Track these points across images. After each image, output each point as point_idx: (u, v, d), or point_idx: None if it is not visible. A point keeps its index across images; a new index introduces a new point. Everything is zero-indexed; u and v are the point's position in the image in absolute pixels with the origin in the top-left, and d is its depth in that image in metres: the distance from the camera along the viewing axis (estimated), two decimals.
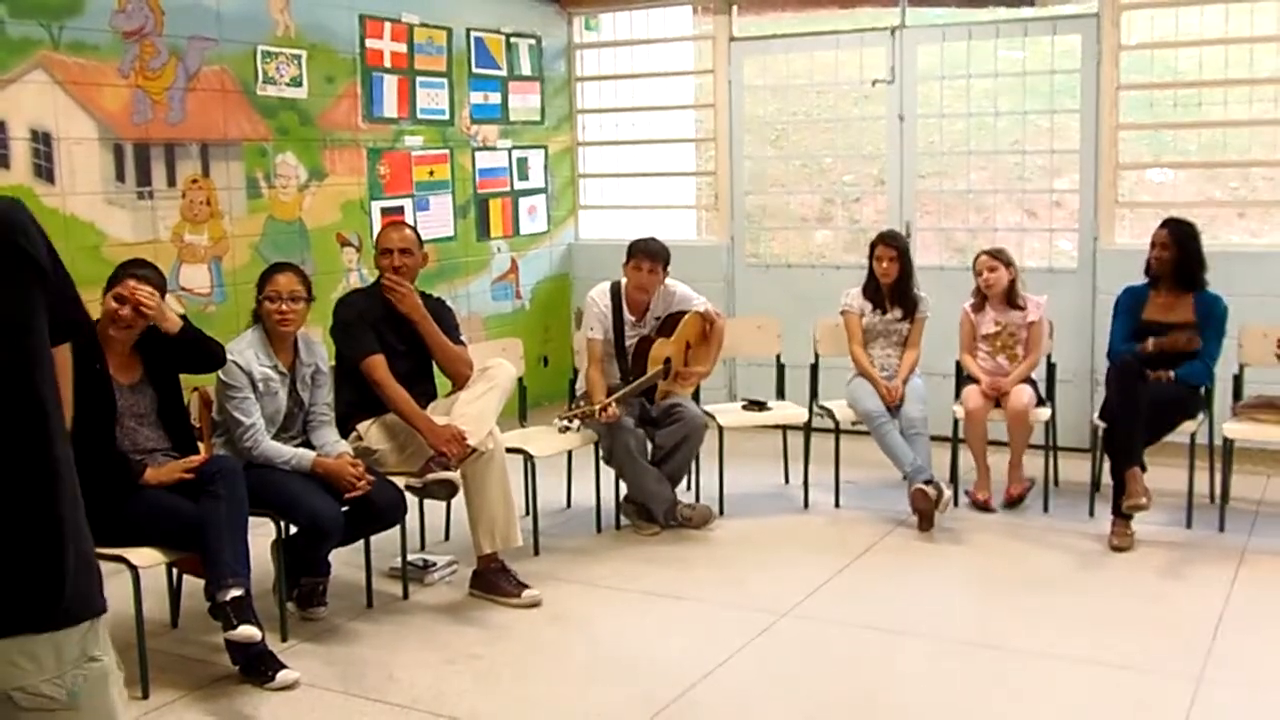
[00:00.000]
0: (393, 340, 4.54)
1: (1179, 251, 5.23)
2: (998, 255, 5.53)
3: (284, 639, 4.01)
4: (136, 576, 3.64)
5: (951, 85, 6.84)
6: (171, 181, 5.29)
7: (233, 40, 5.50)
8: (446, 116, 6.78)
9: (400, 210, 6.45)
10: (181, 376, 4.06)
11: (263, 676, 3.68)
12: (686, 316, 5.37)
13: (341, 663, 3.92)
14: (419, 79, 6.58)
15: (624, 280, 5.32)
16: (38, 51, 4.75)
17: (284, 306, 4.16)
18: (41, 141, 4.77)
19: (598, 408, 4.92)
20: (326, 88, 6.02)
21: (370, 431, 4.53)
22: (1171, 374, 5.06)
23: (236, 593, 3.62)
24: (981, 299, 5.57)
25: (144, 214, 5.17)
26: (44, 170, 4.79)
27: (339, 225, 6.14)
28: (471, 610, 4.37)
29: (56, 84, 4.82)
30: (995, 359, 5.51)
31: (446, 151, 6.80)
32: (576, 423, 4.89)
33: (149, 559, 3.70)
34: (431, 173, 6.71)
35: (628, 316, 5.29)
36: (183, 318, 4.00)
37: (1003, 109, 6.74)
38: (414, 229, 4.82)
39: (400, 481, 4.35)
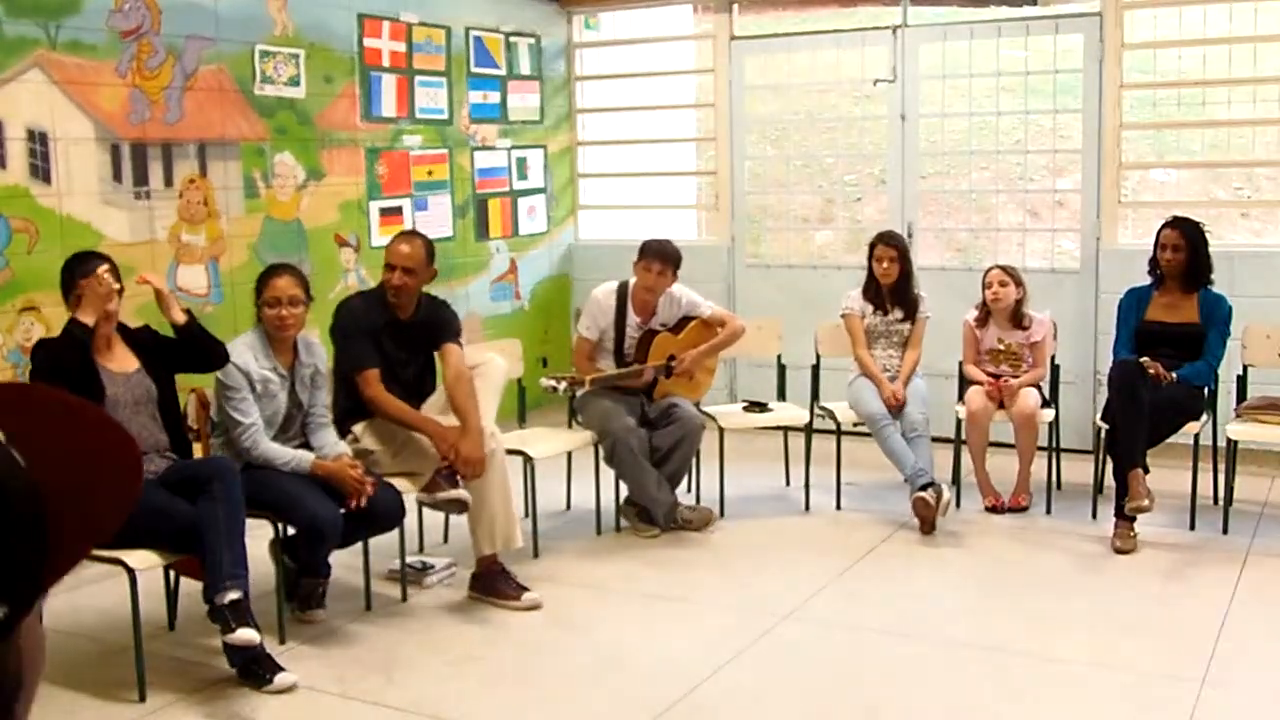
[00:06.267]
0: (394, 349, 4.47)
1: (1192, 252, 5.19)
2: (1009, 272, 5.47)
3: (282, 641, 3.98)
4: (134, 579, 3.62)
5: (953, 85, 6.81)
6: (169, 181, 5.26)
7: (230, 39, 5.47)
8: (445, 116, 6.75)
9: (399, 210, 6.42)
10: (180, 377, 4.04)
11: (261, 679, 3.65)
12: (694, 322, 5.35)
13: (340, 665, 3.90)
14: (418, 78, 6.55)
15: (632, 280, 5.27)
16: (34, 51, 4.72)
17: (284, 312, 4.10)
18: (38, 141, 4.75)
19: (587, 379, 4.90)
20: (325, 87, 5.99)
21: (366, 433, 4.49)
22: (1174, 375, 5.04)
23: (235, 595, 3.60)
24: (985, 313, 5.52)
25: (141, 214, 5.14)
26: (40, 170, 4.76)
27: (337, 226, 6.11)
28: (471, 612, 4.35)
29: (53, 84, 4.79)
30: (998, 367, 5.48)
31: (445, 151, 6.77)
32: (564, 385, 4.85)
33: (146, 561, 3.68)
34: (430, 172, 6.68)
35: (632, 318, 5.25)
36: (186, 312, 3.98)
37: (1005, 108, 6.71)
38: (427, 242, 4.52)
39: (399, 484, 4.32)
